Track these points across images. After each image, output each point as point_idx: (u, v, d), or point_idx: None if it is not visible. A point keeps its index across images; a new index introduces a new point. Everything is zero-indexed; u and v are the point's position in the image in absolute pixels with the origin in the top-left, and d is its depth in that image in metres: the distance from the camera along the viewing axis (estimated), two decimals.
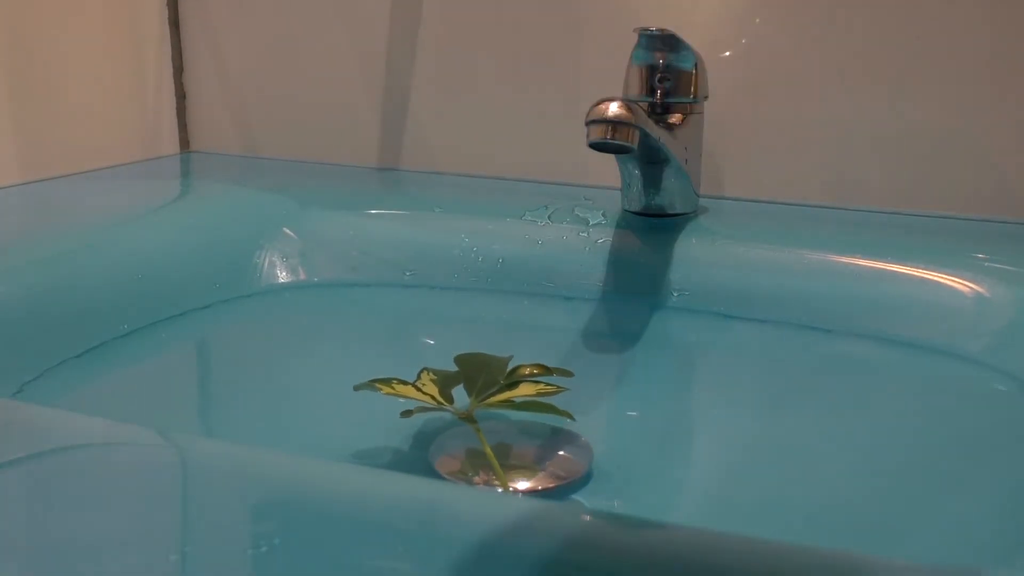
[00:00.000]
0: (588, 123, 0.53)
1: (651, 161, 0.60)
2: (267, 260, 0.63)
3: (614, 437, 0.45)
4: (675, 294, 0.59)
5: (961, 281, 0.54)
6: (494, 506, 0.31)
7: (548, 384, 0.44)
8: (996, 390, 0.49)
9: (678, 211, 0.62)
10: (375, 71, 0.77)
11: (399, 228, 0.66)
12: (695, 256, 0.60)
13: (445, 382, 0.45)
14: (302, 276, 0.64)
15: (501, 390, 0.44)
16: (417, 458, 0.43)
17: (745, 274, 0.58)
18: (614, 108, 0.53)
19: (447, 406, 0.44)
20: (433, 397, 0.44)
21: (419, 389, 0.44)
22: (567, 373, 0.45)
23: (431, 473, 0.41)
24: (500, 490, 0.40)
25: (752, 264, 0.59)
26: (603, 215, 0.63)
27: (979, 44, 0.62)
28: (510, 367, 0.46)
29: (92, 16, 0.75)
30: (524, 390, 0.44)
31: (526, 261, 0.62)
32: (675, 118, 0.60)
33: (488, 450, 0.43)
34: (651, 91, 0.60)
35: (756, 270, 0.58)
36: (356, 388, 0.44)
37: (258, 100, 0.81)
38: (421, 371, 0.46)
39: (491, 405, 0.44)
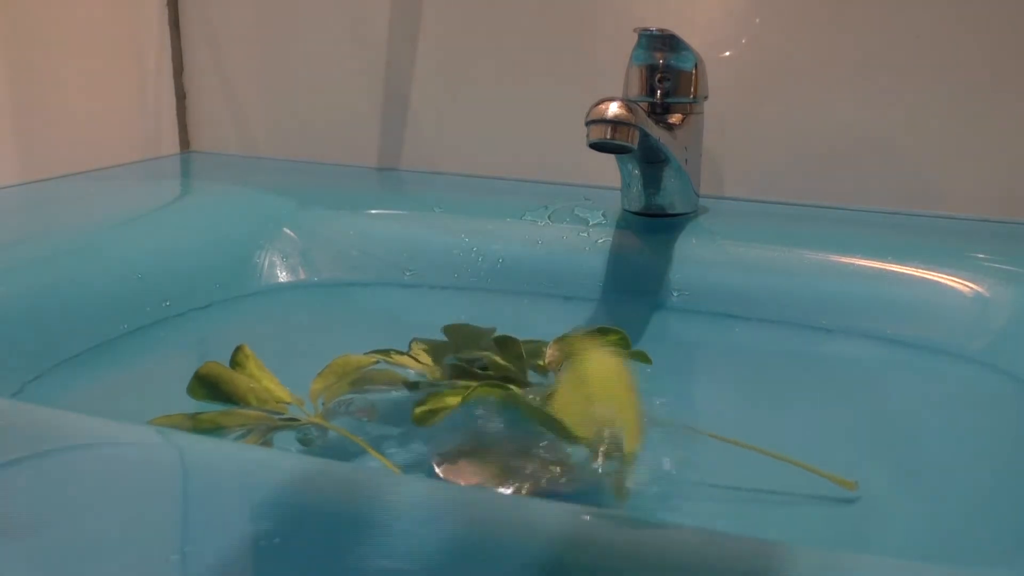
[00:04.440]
0: (588, 123, 0.53)
1: (651, 161, 0.60)
2: (267, 260, 0.63)
3: None
4: (675, 294, 0.59)
5: (961, 281, 0.54)
6: (494, 506, 0.31)
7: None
8: (996, 390, 0.49)
9: (678, 211, 0.62)
10: (375, 71, 0.77)
11: (399, 228, 0.66)
12: (695, 256, 0.60)
13: (436, 351, 0.48)
14: (302, 276, 0.64)
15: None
16: (419, 456, 0.43)
17: (745, 274, 0.58)
18: (614, 108, 0.53)
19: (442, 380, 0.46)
20: (427, 365, 0.47)
21: (415, 359, 0.47)
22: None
23: (431, 472, 0.41)
24: (499, 490, 0.40)
25: (752, 264, 0.59)
26: (603, 215, 0.63)
27: (979, 44, 0.62)
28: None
29: (92, 17, 0.75)
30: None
31: (526, 261, 0.62)
32: (675, 118, 0.60)
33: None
34: (651, 91, 0.60)
35: (756, 270, 0.58)
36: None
37: (258, 100, 0.81)
38: (411, 341, 0.49)
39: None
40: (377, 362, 0.48)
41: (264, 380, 0.45)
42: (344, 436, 0.44)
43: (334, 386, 0.46)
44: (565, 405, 0.41)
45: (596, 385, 0.42)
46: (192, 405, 0.45)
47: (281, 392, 0.45)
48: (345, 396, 0.46)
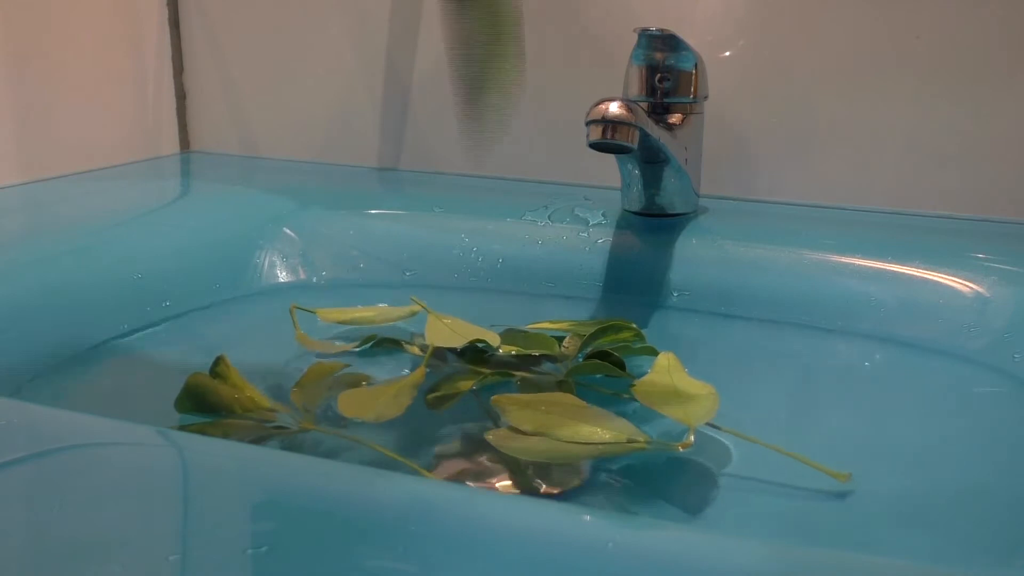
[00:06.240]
0: (588, 123, 0.53)
1: (651, 161, 0.60)
2: (267, 260, 0.63)
3: None
4: (675, 294, 0.59)
5: (961, 281, 0.54)
6: (494, 506, 0.31)
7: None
8: (996, 390, 0.49)
9: (678, 211, 0.62)
10: (375, 71, 0.77)
11: (399, 228, 0.66)
12: (695, 256, 0.60)
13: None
14: (302, 276, 0.64)
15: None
16: (419, 456, 0.43)
17: (745, 274, 0.58)
18: (614, 108, 0.53)
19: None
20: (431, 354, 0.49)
21: (422, 349, 0.50)
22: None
23: (432, 471, 0.41)
24: (500, 489, 0.40)
25: (752, 264, 0.59)
26: (603, 215, 0.63)
27: (979, 44, 0.62)
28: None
29: (92, 16, 0.75)
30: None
31: (526, 261, 0.62)
32: (675, 118, 0.60)
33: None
34: (651, 91, 0.60)
35: (756, 270, 0.58)
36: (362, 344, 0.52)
37: (258, 100, 0.81)
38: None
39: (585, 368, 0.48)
40: (348, 366, 0.49)
41: (246, 390, 0.45)
42: (338, 439, 0.44)
43: (314, 392, 0.47)
44: (655, 379, 0.44)
45: (683, 380, 0.45)
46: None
47: (264, 401, 0.45)
48: (325, 400, 0.47)
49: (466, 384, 0.46)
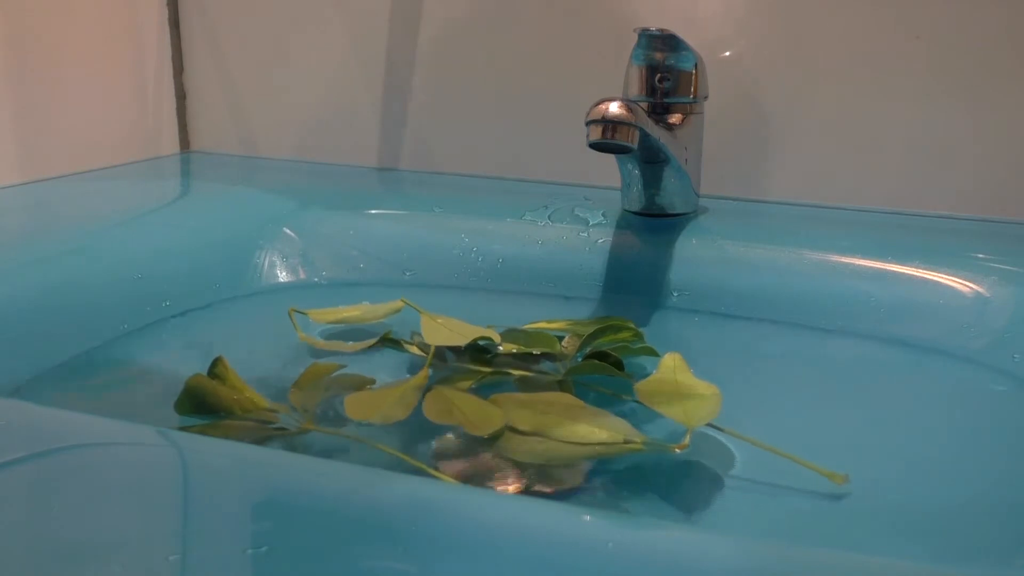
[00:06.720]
0: (588, 123, 0.53)
1: (651, 161, 0.60)
2: (267, 260, 0.63)
3: None
4: (675, 294, 0.59)
5: (961, 281, 0.54)
6: (494, 506, 0.31)
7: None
8: (996, 390, 0.49)
9: (678, 211, 0.62)
10: (375, 71, 0.77)
11: (399, 228, 0.66)
12: (695, 256, 0.60)
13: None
14: (302, 276, 0.64)
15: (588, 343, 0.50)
16: (418, 456, 0.43)
17: (745, 274, 0.58)
18: (614, 108, 0.53)
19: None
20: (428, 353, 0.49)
21: (421, 348, 0.50)
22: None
23: (431, 471, 0.41)
24: (500, 490, 0.40)
25: (752, 264, 0.59)
26: (603, 215, 0.63)
27: (979, 44, 0.62)
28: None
29: (92, 16, 0.75)
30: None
31: (526, 261, 0.62)
32: (675, 118, 0.60)
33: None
34: (651, 91, 0.60)
35: (756, 270, 0.58)
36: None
37: (258, 100, 0.81)
38: (412, 334, 0.53)
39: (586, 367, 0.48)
40: (345, 366, 0.49)
41: (245, 391, 0.45)
42: (338, 439, 0.44)
43: (312, 393, 0.47)
44: (659, 379, 0.45)
45: (688, 380, 0.45)
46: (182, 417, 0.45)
47: (264, 401, 0.45)
48: (323, 401, 0.47)
49: (465, 384, 0.46)
